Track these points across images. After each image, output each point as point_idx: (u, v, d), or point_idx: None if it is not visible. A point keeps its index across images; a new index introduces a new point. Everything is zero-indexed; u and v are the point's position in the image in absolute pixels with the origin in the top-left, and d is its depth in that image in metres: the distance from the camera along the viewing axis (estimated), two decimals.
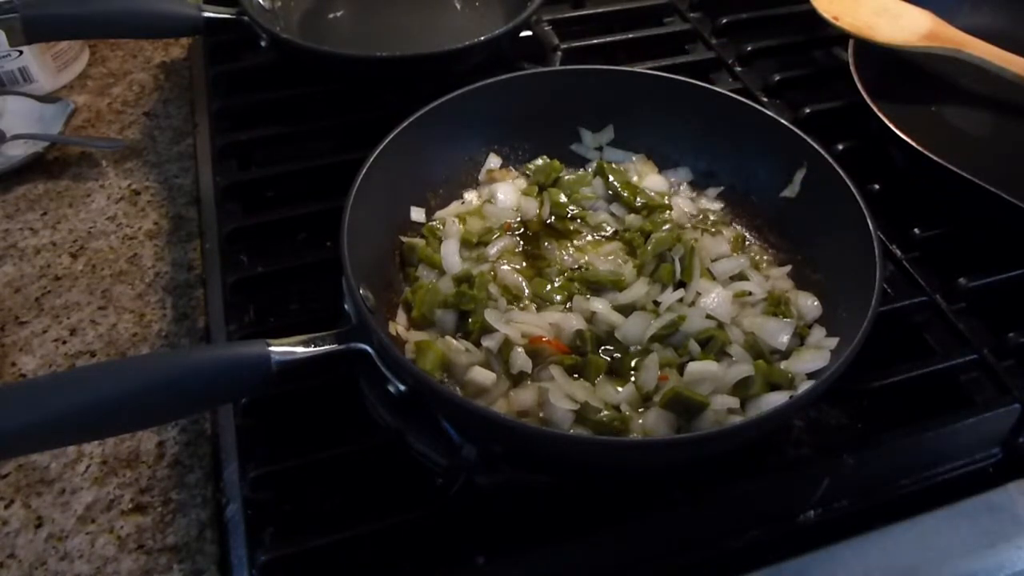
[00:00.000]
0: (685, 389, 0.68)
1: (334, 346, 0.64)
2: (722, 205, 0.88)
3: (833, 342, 0.71)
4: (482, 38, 0.99)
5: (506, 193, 0.87)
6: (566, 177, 0.89)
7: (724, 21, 1.16)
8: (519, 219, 0.86)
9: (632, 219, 0.85)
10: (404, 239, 0.82)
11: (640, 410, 0.69)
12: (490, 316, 0.73)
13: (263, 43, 1.03)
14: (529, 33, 1.09)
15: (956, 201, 0.86)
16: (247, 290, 0.82)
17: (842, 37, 1.04)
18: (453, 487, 0.65)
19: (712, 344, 0.73)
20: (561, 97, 0.90)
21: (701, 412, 0.68)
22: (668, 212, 0.86)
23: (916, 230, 0.86)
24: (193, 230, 0.96)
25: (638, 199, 0.87)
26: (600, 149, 0.93)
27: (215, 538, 0.70)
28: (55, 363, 0.82)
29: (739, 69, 1.09)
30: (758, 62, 1.11)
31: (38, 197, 1.00)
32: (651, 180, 0.90)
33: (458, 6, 1.20)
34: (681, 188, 0.90)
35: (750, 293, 0.77)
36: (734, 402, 0.69)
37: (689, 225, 0.85)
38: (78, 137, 1.07)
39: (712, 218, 0.87)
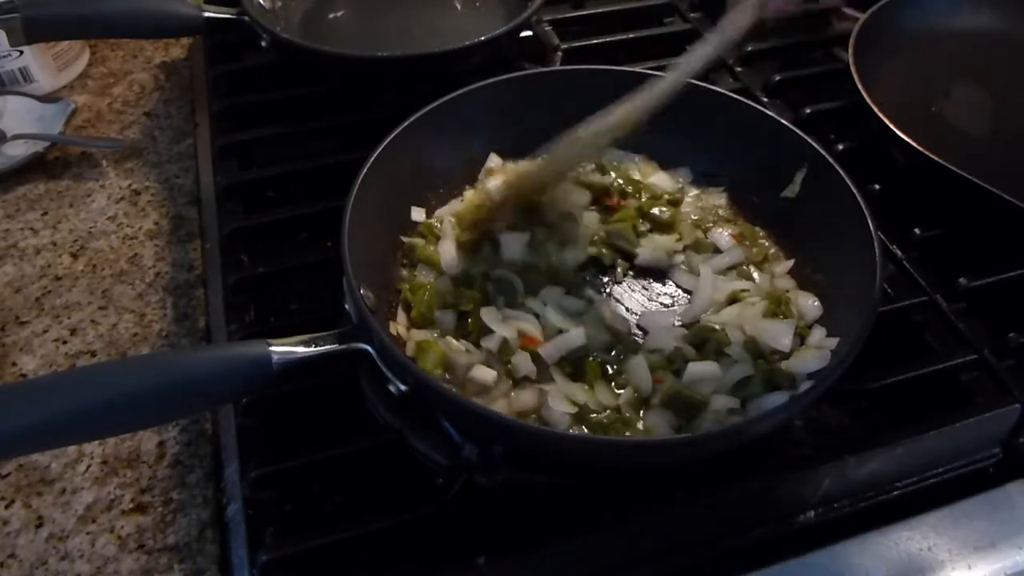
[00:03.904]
0: (684, 388, 0.68)
1: (335, 346, 0.64)
2: (723, 205, 0.88)
3: (833, 342, 0.71)
4: (482, 38, 0.99)
5: None
6: None
7: None
8: None
9: None
10: (404, 239, 0.82)
11: (640, 411, 0.70)
12: (486, 316, 0.73)
13: (264, 43, 1.03)
14: (529, 33, 1.09)
15: (956, 201, 0.86)
16: (248, 290, 0.82)
17: (842, 37, 1.04)
18: (453, 487, 0.65)
19: (708, 346, 0.73)
20: (561, 97, 0.90)
21: (701, 412, 0.68)
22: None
23: (916, 230, 0.86)
24: (194, 230, 0.96)
25: (642, 196, 0.86)
26: None
27: (216, 538, 0.70)
28: (55, 363, 0.82)
29: (739, 69, 1.09)
30: (758, 62, 1.11)
31: (38, 197, 1.00)
32: (656, 178, 0.90)
33: (458, 6, 1.20)
34: (682, 188, 0.90)
35: (747, 291, 0.78)
36: (734, 402, 0.69)
37: (689, 224, 0.85)
38: (78, 137, 1.07)
39: (713, 216, 0.87)
